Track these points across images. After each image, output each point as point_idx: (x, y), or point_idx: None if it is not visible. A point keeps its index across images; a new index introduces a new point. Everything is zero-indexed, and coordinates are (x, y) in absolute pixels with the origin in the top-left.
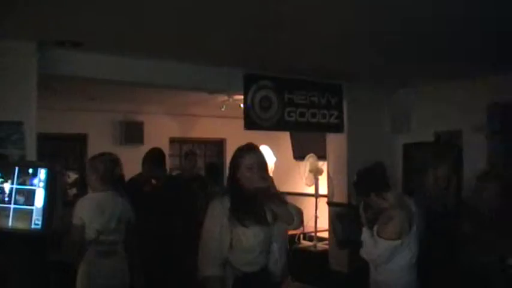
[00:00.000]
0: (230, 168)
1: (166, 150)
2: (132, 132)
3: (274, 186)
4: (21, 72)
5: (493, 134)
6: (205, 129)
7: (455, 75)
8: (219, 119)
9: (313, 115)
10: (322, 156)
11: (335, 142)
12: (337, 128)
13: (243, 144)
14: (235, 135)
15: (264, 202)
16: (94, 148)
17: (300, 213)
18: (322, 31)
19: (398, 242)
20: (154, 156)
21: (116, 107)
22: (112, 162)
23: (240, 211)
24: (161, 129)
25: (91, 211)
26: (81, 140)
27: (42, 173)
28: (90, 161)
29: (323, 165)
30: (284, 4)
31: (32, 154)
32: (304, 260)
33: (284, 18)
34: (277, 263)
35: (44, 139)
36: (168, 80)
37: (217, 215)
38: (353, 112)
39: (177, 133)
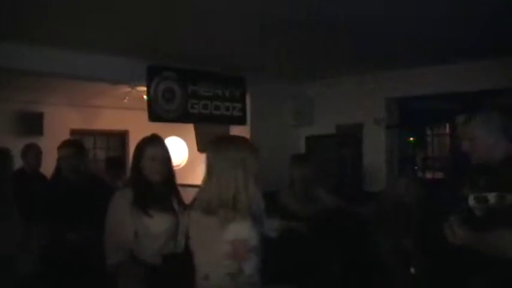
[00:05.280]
0: (133, 157)
1: None
2: (31, 124)
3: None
4: None
5: (391, 127)
6: (108, 120)
7: (355, 70)
8: (122, 110)
9: (217, 107)
10: None
11: (238, 134)
12: (240, 121)
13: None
14: (138, 127)
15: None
16: None
17: None
18: (223, 24)
19: None
20: None
21: (13, 96)
22: None
23: (143, 201)
24: (62, 121)
25: None
26: None
27: None
28: None
29: None
30: None
31: None
32: None
33: (186, 10)
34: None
35: None
36: (69, 69)
37: (116, 208)
38: (257, 105)
39: (78, 125)
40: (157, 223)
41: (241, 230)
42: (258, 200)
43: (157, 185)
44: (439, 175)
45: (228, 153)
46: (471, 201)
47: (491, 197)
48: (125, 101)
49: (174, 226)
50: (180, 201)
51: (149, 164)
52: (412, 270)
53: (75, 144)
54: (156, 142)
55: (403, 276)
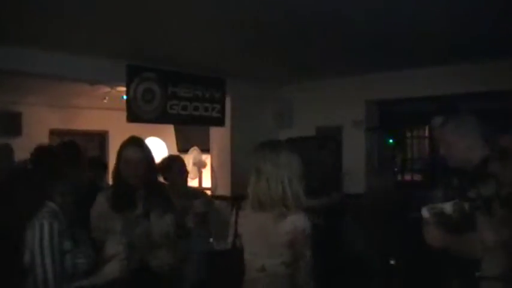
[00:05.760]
0: (115, 161)
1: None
2: (8, 124)
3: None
4: None
5: (371, 129)
6: (87, 121)
7: (335, 73)
8: (102, 110)
9: (196, 108)
10: (205, 150)
11: (218, 135)
12: (218, 122)
13: (127, 136)
14: (118, 128)
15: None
16: None
17: None
18: (204, 28)
19: None
20: None
21: None
22: None
23: (119, 205)
24: (41, 121)
25: None
26: None
27: None
28: None
29: (207, 158)
30: None
31: None
32: None
33: (168, 13)
34: (162, 258)
35: None
36: (48, 69)
37: (95, 211)
38: (237, 106)
39: (57, 125)
40: (127, 229)
41: (299, 221)
42: (301, 197)
43: (136, 187)
44: (418, 177)
45: (275, 158)
46: (425, 212)
47: (448, 206)
48: (105, 101)
49: (145, 232)
50: (164, 204)
51: (124, 167)
52: (392, 261)
53: None
54: (130, 145)
55: (382, 272)
